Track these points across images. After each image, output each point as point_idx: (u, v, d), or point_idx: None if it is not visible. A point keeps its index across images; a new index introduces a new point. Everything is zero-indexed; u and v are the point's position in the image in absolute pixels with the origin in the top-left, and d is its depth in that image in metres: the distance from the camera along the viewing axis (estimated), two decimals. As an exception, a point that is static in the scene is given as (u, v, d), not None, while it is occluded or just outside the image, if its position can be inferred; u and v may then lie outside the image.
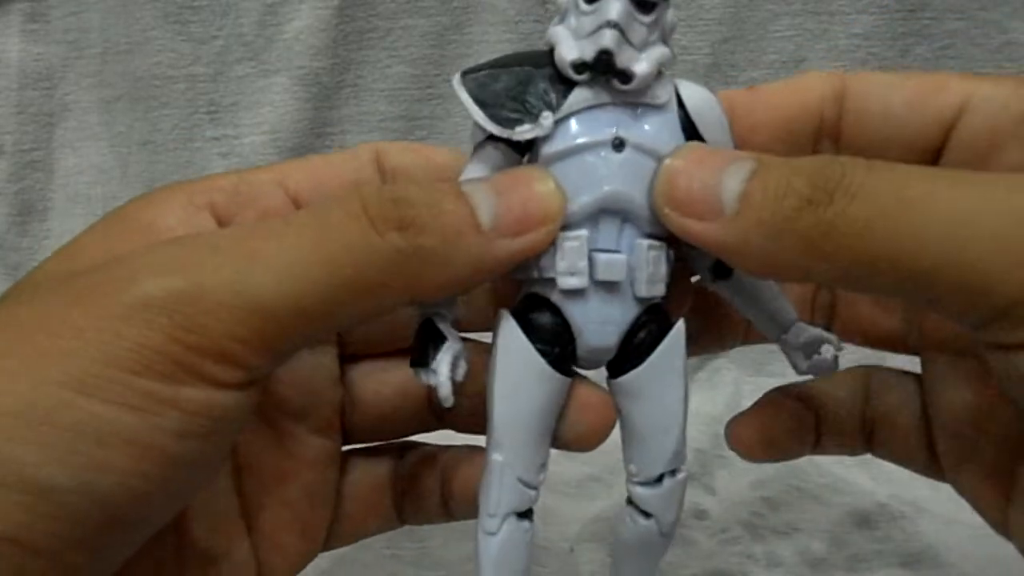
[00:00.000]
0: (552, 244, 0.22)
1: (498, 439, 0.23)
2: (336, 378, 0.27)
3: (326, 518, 0.27)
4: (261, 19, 0.48)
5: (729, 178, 0.20)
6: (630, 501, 0.24)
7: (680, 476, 0.24)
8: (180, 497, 0.21)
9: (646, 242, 0.22)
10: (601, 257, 0.22)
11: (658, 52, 0.22)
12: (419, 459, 0.28)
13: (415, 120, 0.50)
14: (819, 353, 0.25)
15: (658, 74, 0.22)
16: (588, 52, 0.21)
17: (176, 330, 0.19)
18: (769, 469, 0.46)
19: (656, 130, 0.22)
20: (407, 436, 0.29)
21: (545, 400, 0.23)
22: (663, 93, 0.22)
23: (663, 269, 0.23)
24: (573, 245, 0.22)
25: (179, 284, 0.19)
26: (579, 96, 0.22)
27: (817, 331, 0.25)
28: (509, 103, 0.22)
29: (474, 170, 0.23)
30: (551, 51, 0.22)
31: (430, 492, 0.28)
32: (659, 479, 0.24)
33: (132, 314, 0.19)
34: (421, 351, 0.22)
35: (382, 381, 0.28)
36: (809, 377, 0.26)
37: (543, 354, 0.23)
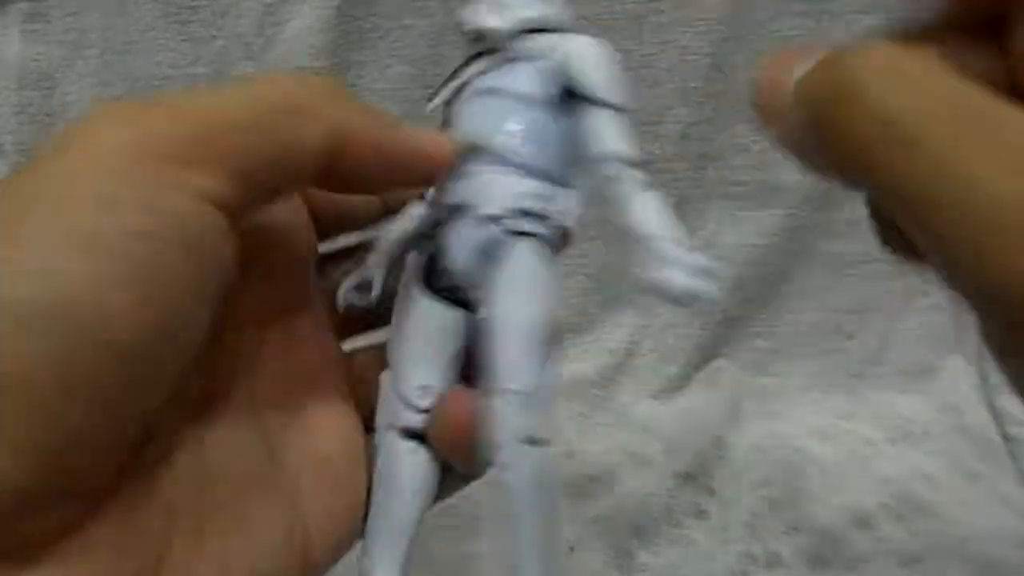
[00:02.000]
0: None
1: (389, 360, 0.25)
2: (338, 346, 0.27)
3: (363, 485, 0.26)
4: (261, 19, 0.48)
5: (789, 78, 0.20)
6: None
7: (513, 391, 0.22)
8: (166, 325, 0.20)
9: (491, 168, 0.24)
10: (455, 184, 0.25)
11: (526, 11, 0.25)
12: None
13: (415, 120, 0.50)
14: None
15: (537, 31, 0.25)
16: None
17: (140, 133, 0.19)
18: (769, 469, 0.46)
19: (521, 76, 0.25)
20: None
21: (422, 322, 0.25)
22: (535, 47, 0.25)
23: (512, 187, 0.24)
24: None
25: (139, 103, 0.20)
26: (472, 67, 0.26)
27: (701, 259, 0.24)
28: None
29: None
30: None
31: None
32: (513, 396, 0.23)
33: (95, 122, 0.20)
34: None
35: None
36: None
37: (422, 280, 0.25)
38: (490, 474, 0.23)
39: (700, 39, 0.49)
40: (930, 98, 0.17)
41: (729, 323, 0.51)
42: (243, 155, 0.21)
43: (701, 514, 0.43)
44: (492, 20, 0.25)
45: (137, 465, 0.21)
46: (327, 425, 0.26)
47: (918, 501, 0.43)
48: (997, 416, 0.49)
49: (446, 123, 0.26)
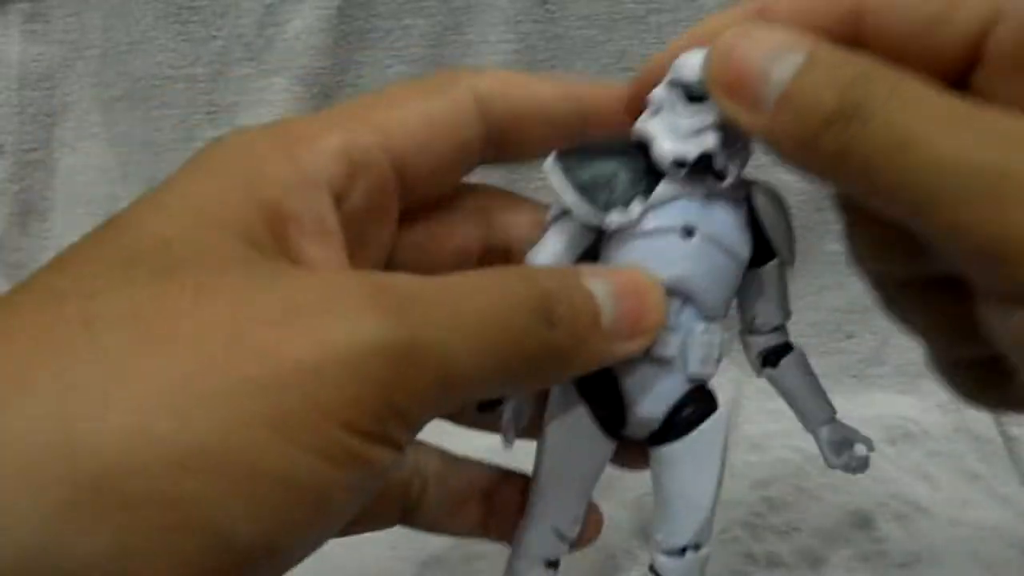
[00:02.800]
0: None
1: (542, 488, 0.25)
2: None
3: None
4: (261, 19, 0.48)
5: (776, 69, 0.20)
6: (652, 568, 0.26)
7: (702, 552, 0.25)
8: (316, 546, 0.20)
9: (702, 325, 0.24)
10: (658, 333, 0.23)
11: (745, 155, 0.23)
12: (443, 463, 0.28)
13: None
14: (852, 450, 0.26)
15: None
16: (691, 151, 0.22)
17: (388, 388, 0.18)
18: (769, 469, 0.46)
19: (726, 223, 0.23)
20: None
21: (590, 459, 0.25)
22: (738, 191, 0.24)
23: (716, 352, 0.24)
24: None
25: (398, 337, 0.18)
26: (665, 189, 0.23)
27: (851, 430, 0.26)
28: (600, 190, 0.23)
29: (553, 244, 0.24)
30: (639, 144, 0.23)
31: (437, 501, 0.28)
32: (682, 551, 0.25)
33: (348, 360, 0.17)
34: (490, 399, 0.24)
35: None
36: None
37: (594, 416, 0.24)
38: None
39: (700, 39, 0.49)
40: (937, 118, 0.18)
41: (729, 323, 0.51)
42: (446, 410, 0.20)
43: (701, 514, 0.43)
44: (731, 167, 0.23)
45: None
46: None
47: (918, 501, 0.43)
48: (997, 416, 0.49)
49: (616, 238, 0.23)
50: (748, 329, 0.26)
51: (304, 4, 0.48)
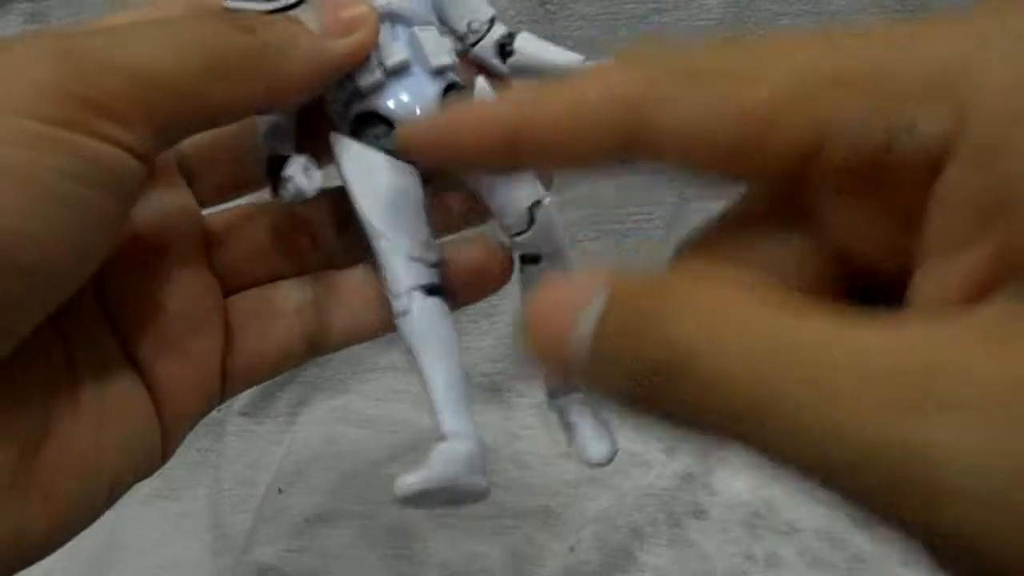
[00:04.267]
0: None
1: (374, 229, 0.25)
2: (196, 214, 0.28)
3: (216, 352, 0.27)
4: (261, 19, 0.48)
5: (578, 325, 0.16)
6: (521, 259, 0.27)
7: (546, 202, 0.26)
8: (72, 252, 0.21)
9: (415, 28, 0.26)
10: (383, 51, 0.26)
11: None
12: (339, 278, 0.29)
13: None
14: None
15: None
16: None
17: (67, 78, 0.20)
18: (769, 469, 0.46)
19: None
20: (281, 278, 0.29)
21: (400, 182, 0.26)
22: None
23: (444, 43, 0.27)
24: None
25: (66, 43, 0.21)
26: None
27: None
28: None
29: None
30: None
31: (357, 303, 0.28)
32: (530, 219, 0.26)
33: (20, 57, 0.20)
34: (274, 176, 0.26)
35: (249, 226, 0.29)
36: None
37: (385, 151, 0.26)
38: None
39: (700, 39, 0.49)
40: (755, 355, 0.15)
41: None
42: (166, 116, 0.22)
43: (701, 514, 0.43)
44: None
45: (14, 366, 0.22)
46: (181, 310, 0.26)
47: (918, 501, 0.43)
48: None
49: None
50: (472, 40, 0.28)
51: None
